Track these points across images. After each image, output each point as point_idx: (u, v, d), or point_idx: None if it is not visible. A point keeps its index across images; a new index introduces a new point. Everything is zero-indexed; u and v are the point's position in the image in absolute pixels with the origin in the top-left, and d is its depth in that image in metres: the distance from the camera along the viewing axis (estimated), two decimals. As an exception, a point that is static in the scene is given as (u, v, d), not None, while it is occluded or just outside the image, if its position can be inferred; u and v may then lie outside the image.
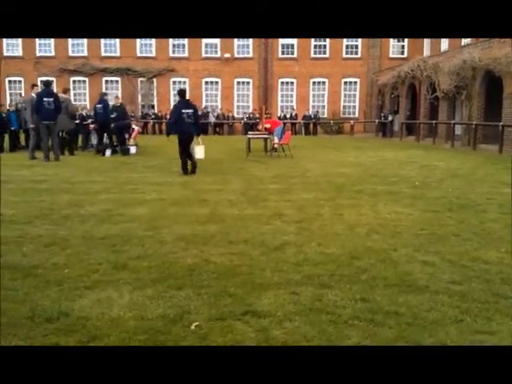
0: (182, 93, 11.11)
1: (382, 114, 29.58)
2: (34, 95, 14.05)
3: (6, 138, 16.57)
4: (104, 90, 29.08)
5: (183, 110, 10.63)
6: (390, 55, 32.90)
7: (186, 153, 10.69)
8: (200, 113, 31.06)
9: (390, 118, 28.60)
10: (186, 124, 10.57)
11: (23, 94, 28.38)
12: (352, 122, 30.89)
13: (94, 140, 17.29)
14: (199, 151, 11.48)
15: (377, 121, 30.20)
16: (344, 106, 33.40)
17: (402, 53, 32.89)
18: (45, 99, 13.19)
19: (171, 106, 31.87)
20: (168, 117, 10.04)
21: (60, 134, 15.32)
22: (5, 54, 31.73)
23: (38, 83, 19.34)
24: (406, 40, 32.76)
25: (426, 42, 30.84)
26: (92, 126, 16.73)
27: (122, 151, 15.46)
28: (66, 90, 16.81)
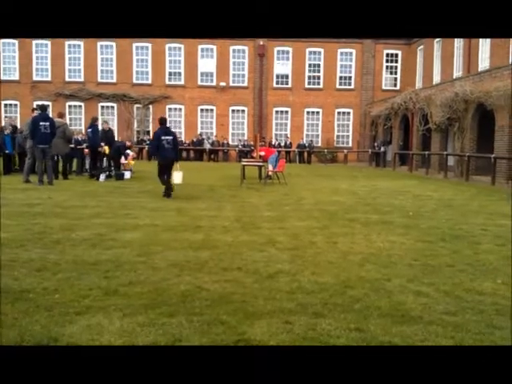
0: (162, 120, 11.73)
1: (376, 144, 29.87)
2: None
3: (0, 161, 16.55)
4: (100, 116, 29.31)
5: (163, 137, 11.21)
6: (383, 87, 33.42)
7: (168, 177, 11.27)
8: (195, 139, 31.55)
9: (382, 149, 28.88)
10: (166, 150, 11.18)
11: (18, 118, 28.54)
12: (345, 151, 31.13)
13: (87, 164, 17.34)
14: (177, 177, 11.89)
15: (370, 151, 30.48)
16: (338, 136, 33.72)
17: (395, 85, 33.42)
18: (41, 123, 13.25)
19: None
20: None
21: (55, 158, 15.35)
22: (1, 77, 31.89)
23: (34, 107, 19.35)
24: (398, 73, 33.38)
25: (419, 74, 31.41)
26: (86, 150, 16.79)
27: (117, 176, 15.47)
28: (62, 115, 16.89)
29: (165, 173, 11.33)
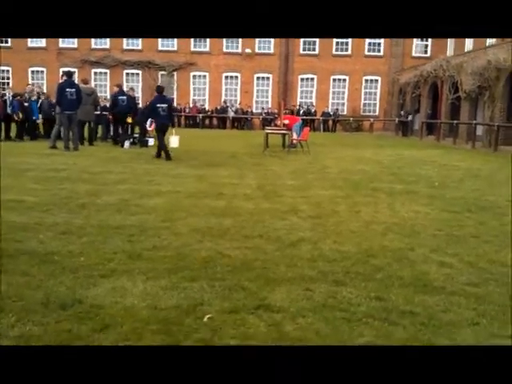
0: (159, 89, 12.70)
1: (402, 113, 29.28)
2: None
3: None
4: (125, 83, 29.32)
5: (158, 105, 12.12)
6: (413, 54, 32.56)
7: (161, 142, 12.28)
8: (219, 107, 31.41)
9: (410, 118, 28.30)
10: (162, 117, 12.19)
11: (44, 84, 28.77)
12: (372, 119, 30.64)
13: (112, 131, 17.46)
14: (173, 141, 13.58)
15: (397, 119, 29.92)
16: (364, 104, 33.17)
17: (426, 52, 32.52)
18: (67, 90, 13.33)
19: (191, 100, 32.17)
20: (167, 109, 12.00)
21: (87, 124, 15.50)
22: (29, 44, 32.08)
23: (60, 73, 19.45)
24: (429, 39, 32.37)
25: (450, 41, 30.44)
26: (111, 117, 16.84)
27: (141, 142, 15.56)
28: (87, 81, 16.96)
29: (161, 137, 12.34)
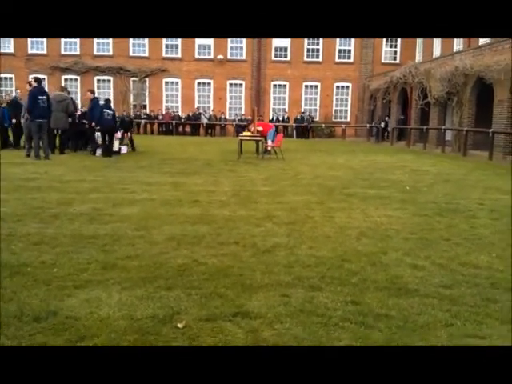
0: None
1: (377, 120, 29.60)
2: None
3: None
4: (96, 89, 28.94)
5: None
6: (383, 60, 33.07)
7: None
8: (191, 114, 31.30)
9: (382, 124, 28.69)
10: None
11: (14, 92, 28.22)
12: (343, 126, 30.98)
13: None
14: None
15: (368, 125, 30.32)
16: (336, 110, 33.52)
17: (395, 58, 33.07)
18: (39, 97, 13.08)
19: (163, 106, 31.96)
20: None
21: (56, 132, 15.21)
22: (-4, 50, 31.51)
23: (29, 80, 19.14)
24: (398, 46, 32.98)
25: (419, 47, 31.06)
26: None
27: (111, 151, 15.36)
28: (64, 89, 16.72)
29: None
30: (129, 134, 16.95)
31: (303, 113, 32.25)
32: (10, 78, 31.82)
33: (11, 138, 16.67)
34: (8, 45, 31.61)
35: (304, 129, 31.67)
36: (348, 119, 33.40)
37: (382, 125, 28.59)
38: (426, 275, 4.30)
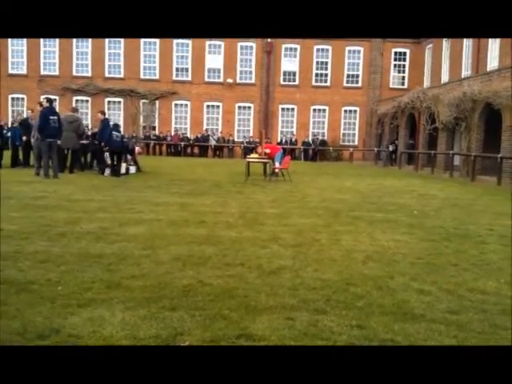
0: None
1: (385, 144, 29.66)
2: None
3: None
4: (107, 111, 29.28)
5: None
6: (391, 85, 33.31)
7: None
8: (199, 135, 31.55)
9: (390, 148, 28.73)
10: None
11: (25, 112, 28.57)
12: (351, 149, 31.06)
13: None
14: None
15: (376, 149, 30.38)
16: (344, 134, 33.66)
17: (403, 83, 33.32)
18: (50, 117, 13.29)
19: (173, 128, 32.35)
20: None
21: (66, 152, 15.39)
22: (9, 71, 32.07)
23: (40, 100, 19.45)
24: (406, 71, 33.23)
25: (427, 73, 31.29)
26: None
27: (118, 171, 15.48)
28: (75, 110, 16.99)
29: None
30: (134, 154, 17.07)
31: (311, 136, 32.37)
32: (22, 99, 32.32)
33: (21, 157, 16.87)
34: (21, 66, 32.19)
35: (311, 152, 31.79)
36: (356, 143, 33.51)
37: (391, 148, 28.61)
38: (432, 300, 4.25)
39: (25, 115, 19.44)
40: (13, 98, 32.45)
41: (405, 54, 33.25)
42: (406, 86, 32.48)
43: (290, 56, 33.12)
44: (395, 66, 33.38)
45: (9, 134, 17.97)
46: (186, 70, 32.90)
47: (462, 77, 24.52)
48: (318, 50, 32.87)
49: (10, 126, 21.31)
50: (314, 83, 33.17)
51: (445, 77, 28.21)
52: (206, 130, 32.39)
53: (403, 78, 33.53)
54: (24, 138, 15.94)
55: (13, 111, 31.94)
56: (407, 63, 33.32)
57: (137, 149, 17.65)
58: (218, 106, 33.32)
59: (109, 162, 15.19)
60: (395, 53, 33.20)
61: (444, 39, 28.23)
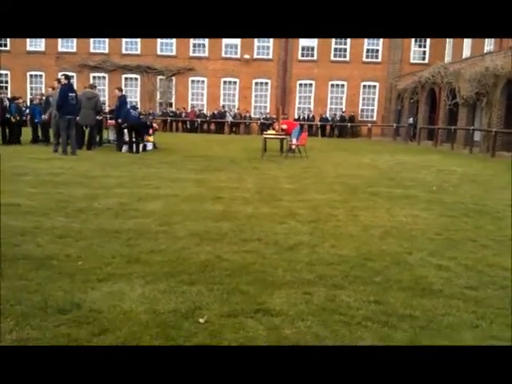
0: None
1: (405, 118, 29.21)
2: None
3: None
4: (124, 87, 29.29)
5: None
6: (411, 60, 32.66)
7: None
8: (216, 112, 31.46)
9: (410, 121, 28.25)
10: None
11: (43, 89, 28.69)
12: (369, 125, 30.70)
13: (111, 136, 17.50)
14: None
15: (395, 125, 29.96)
16: (362, 110, 33.23)
17: (423, 58, 32.63)
18: (69, 94, 13.36)
19: (189, 105, 32.23)
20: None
21: (83, 128, 15.47)
22: (28, 48, 32.17)
23: (58, 78, 19.50)
24: (427, 45, 32.52)
25: (448, 48, 30.57)
26: (111, 121, 16.89)
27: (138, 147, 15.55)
28: (93, 86, 17.02)
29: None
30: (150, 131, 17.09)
31: (329, 112, 32.03)
32: (40, 76, 32.46)
33: (40, 134, 17.00)
34: (39, 43, 32.24)
35: (329, 128, 31.50)
36: (374, 118, 33.08)
37: (411, 120, 28.13)
38: (451, 276, 4.22)
39: (43, 92, 19.50)
40: (31, 75, 32.59)
41: (425, 27, 32.39)
42: (426, 61, 31.79)
43: (307, 30, 32.51)
44: (416, 40, 32.64)
45: (27, 111, 18.10)
46: (203, 45, 32.62)
47: (485, 52, 23.91)
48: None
49: (28, 103, 21.47)
50: (332, 58, 32.65)
51: (466, 51, 27.53)
52: (223, 107, 32.25)
53: (424, 52, 32.82)
54: (45, 116, 15.99)
55: (31, 88, 32.15)
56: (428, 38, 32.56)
57: (154, 126, 17.66)
58: (234, 82, 33.08)
59: (126, 138, 15.24)
60: (415, 26, 32.35)
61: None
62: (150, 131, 16.88)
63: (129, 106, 15.63)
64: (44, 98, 17.23)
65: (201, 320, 3.17)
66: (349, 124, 31.50)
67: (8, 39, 31.79)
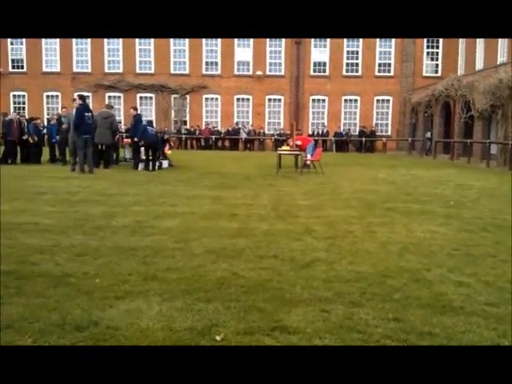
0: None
1: (420, 134, 29.08)
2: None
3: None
4: (139, 106, 29.65)
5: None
6: (424, 73, 32.62)
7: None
8: (230, 128, 31.65)
9: (428, 135, 28.09)
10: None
11: (59, 109, 29.15)
12: (384, 139, 30.59)
13: (127, 154, 17.70)
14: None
15: (410, 139, 29.82)
16: (376, 124, 33.18)
17: (436, 71, 32.59)
18: (86, 114, 13.59)
19: (203, 122, 32.52)
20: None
21: (99, 148, 15.66)
22: (43, 69, 32.79)
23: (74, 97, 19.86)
24: (439, 58, 32.49)
25: (461, 60, 30.49)
26: (127, 140, 17.11)
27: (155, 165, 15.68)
28: (110, 107, 17.30)
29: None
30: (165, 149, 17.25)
31: (342, 127, 32.00)
32: (57, 96, 33.00)
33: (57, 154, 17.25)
34: (55, 64, 32.86)
35: (344, 143, 31.47)
36: (389, 133, 33.00)
37: (428, 135, 27.97)
38: (471, 292, 4.15)
39: (60, 112, 19.83)
40: (47, 96, 33.16)
41: (437, 41, 32.47)
42: (439, 74, 31.74)
43: (319, 46, 32.76)
44: (428, 53, 32.66)
45: (44, 131, 18.40)
46: (216, 63, 32.98)
47: (498, 63, 23.80)
48: (348, 39, 32.40)
49: (46, 123, 21.83)
50: (344, 73, 32.76)
51: (479, 64, 27.42)
52: (237, 123, 32.45)
53: (436, 65, 32.78)
54: (58, 136, 16.26)
55: (47, 108, 32.69)
56: (440, 50, 32.53)
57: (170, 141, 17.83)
58: (247, 99, 33.31)
59: (143, 156, 15.38)
60: (428, 40, 32.43)
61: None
62: (167, 146, 17.03)
63: (145, 123, 15.81)
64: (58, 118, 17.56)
65: (217, 337, 3.15)
66: (363, 139, 31.44)
67: (24, 61, 32.46)
